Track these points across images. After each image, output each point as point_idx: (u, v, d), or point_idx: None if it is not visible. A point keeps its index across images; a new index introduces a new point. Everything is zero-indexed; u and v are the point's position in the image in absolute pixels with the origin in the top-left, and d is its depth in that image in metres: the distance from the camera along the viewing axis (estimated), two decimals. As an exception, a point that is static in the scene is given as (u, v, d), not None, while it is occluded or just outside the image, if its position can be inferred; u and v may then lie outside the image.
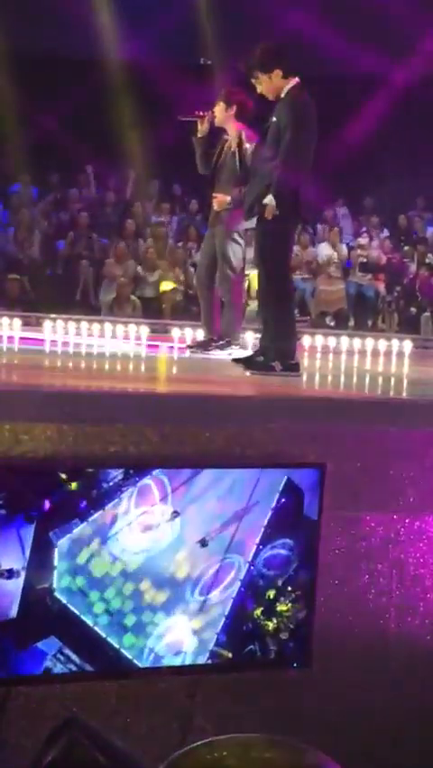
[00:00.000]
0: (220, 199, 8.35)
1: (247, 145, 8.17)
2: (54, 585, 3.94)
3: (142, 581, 4.06)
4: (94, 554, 3.98)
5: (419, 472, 4.75)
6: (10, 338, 9.04)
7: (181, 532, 4.08)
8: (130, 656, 4.08)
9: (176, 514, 4.06)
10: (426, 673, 4.72)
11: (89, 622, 4.01)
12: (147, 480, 4.04)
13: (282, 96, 6.92)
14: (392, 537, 4.70)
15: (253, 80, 7.03)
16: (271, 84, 6.94)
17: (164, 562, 4.07)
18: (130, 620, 4.06)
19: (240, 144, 8.29)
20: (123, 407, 4.69)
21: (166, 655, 4.13)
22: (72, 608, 3.97)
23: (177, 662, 4.15)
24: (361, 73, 16.42)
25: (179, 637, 4.14)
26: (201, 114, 8.50)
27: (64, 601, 3.96)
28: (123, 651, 4.06)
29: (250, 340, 9.15)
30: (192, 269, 15.22)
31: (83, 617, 3.99)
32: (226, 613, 4.18)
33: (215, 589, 4.15)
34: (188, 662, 4.16)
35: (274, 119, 6.88)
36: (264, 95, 7.03)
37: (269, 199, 6.68)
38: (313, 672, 4.46)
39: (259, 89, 7.03)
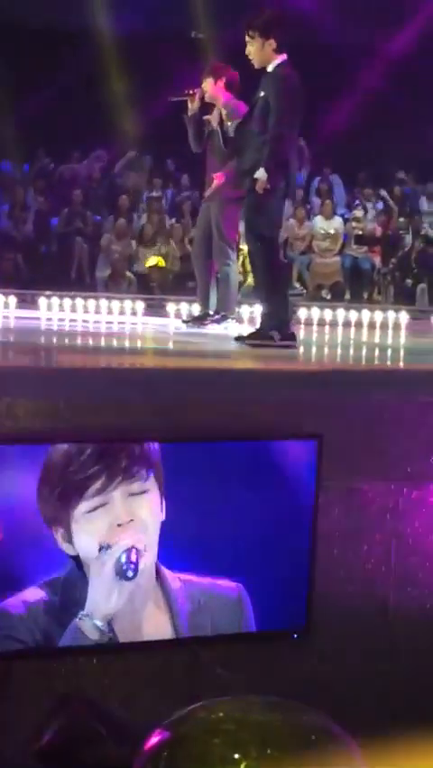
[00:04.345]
0: (216, 185, 8.35)
1: (229, 123, 8.18)
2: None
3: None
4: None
5: (415, 442, 4.75)
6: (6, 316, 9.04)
7: (174, 505, 4.07)
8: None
9: (169, 486, 4.05)
10: (425, 642, 4.73)
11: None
12: (143, 453, 4.03)
13: (269, 70, 6.95)
14: (390, 507, 4.70)
15: (247, 38, 7.02)
16: (262, 51, 6.96)
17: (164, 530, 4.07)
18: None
19: (221, 123, 8.31)
20: (119, 383, 4.69)
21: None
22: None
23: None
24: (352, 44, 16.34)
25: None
26: (191, 92, 8.51)
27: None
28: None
29: (246, 314, 9.15)
30: (189, 245, 15.18)
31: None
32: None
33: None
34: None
35: (262, 93, 6.91)
36: (250, 58, 7.03)
37: (260, 173, 6.70)
38: (313, 641, 4.48)
39: (247, 50, 7.03)
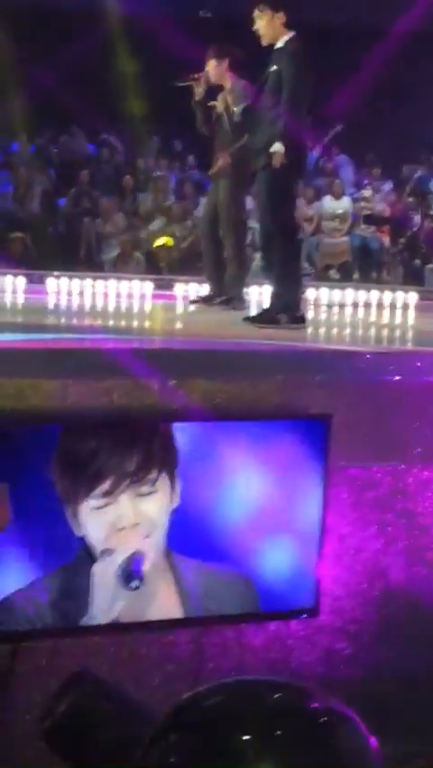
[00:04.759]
0: (221, 164, 8.32)
1: (235, 109, 8.16)
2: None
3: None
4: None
5: (424, 423, 4.74)
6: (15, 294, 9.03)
7: (187, 488, 4.05)
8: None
9: (179, 469, 4.00)
10: (434, 623, 4.74)
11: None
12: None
13: (280, 45, 6.93)
14: (400, 488, 4.70)
15: (256, 12, 6.99)
16: (271, 25, 6.95)
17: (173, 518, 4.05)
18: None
19: (227, 108, 8.29)
20: (127, 362, 4.68)
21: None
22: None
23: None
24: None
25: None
26: (196, 76, 8.49)
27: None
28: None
29: (254, 294, 9.15)
30: (189, 224, 15.17)
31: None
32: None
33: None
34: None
35: (274, 67, 6.88)
36: (259, 33, 7.00)
37: (278, 146, 6.66)
38: (322, 622, 4.48)
39: (256, 25, 7.01)
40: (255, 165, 7.06)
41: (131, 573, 3.87)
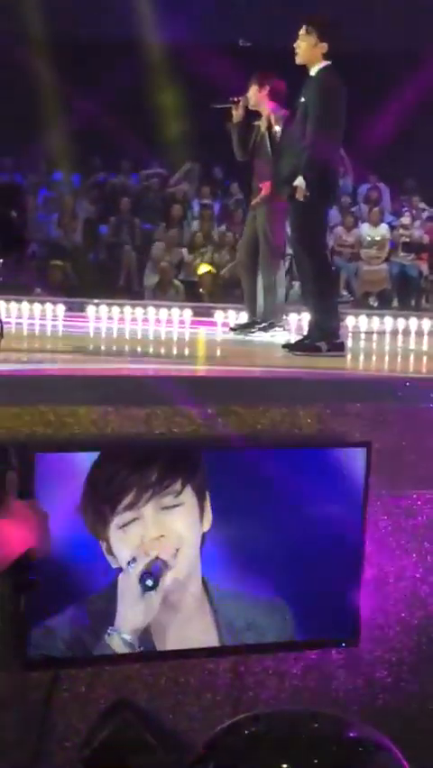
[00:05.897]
0: (263, 194, 8.34)
1: (277, 128, 8.21)
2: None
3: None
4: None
5: (465, 450, 4.72)
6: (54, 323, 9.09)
7: (221, 515, 4.06)
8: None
9: (215, 495, 4.02)
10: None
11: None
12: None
13: (312, 74, 6.93)
14: (440, 515, 4.68)
15: (303, 31, 6.99)
16: (312, 50, 6.94)
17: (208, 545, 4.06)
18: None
19: (269, 127, 8.34)
20: (167, 389, 4.69)
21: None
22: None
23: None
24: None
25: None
26: (235, 99, 8.56)
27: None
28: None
29: (293, 321, 9.15)
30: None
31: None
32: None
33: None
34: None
35: (303, 99, 6.91)
36: (297, 51, 7.00)
37: (299, 181, 6.71)
38: (361, 652, 4.46)
39: (298, 43, 7.00)
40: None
41: (147, 574, 3.91)
